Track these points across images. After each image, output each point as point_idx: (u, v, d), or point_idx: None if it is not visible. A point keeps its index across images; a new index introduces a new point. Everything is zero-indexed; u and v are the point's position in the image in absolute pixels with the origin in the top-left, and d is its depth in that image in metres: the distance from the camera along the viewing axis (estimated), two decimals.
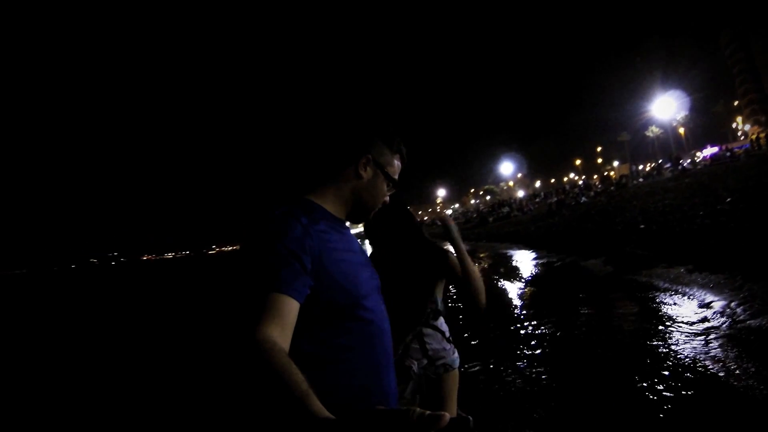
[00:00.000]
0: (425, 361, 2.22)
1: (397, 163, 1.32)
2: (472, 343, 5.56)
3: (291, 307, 0.96)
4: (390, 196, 1.34)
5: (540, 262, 12.80)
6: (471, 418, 0.57)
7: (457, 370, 2.29)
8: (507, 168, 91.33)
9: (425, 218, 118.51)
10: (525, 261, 13.69)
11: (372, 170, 1.26)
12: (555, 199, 33.89)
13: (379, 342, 1.17)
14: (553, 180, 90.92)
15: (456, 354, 2.30)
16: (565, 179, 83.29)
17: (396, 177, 1.31)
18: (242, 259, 1.03)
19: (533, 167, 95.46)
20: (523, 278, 10.63)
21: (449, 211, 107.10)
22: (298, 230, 1.04)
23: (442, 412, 0.55)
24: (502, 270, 12.68)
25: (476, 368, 4.64)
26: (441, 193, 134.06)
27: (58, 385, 6.34)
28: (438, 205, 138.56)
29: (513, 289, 9.42)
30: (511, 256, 15.69)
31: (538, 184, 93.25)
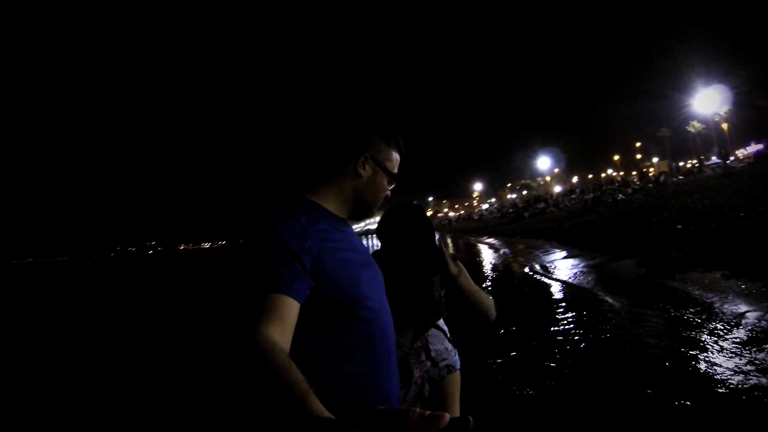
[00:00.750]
0: (428, 363, 2.16)
1: (395, 156, 1.29)
2: (480, 345, 5.37)
3: (291, 308, 0.94)
4: (404, 199, 1.29)
5: (571, 261, 12.44)
6: (471, 419, 0.56)
7: (458, 372, 2.19)
8: (544, 163, 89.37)
9: (461, 212, 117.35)
10: (556, 260, 13.34)
11: (371, 168, 1.23)
12: (591, 195, 32.98)
13: (381, 342, 1.14)
14: (590, 175, 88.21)
15: (457, 355, 2.21)
16: (603, 175, 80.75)
17: (395, 171, 1.28)
18: (242, 260, 1.02)
19: (571, 162, 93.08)
20: (551, 278, 10.34)
21: (485, 206, 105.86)
22: (297, 230, 1.03)
23: (443, 412, 0.54)
24: (531, 269, 12.39)
25: (483, 372, 4.51)
26: (478, 187, 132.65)
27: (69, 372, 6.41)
28: (475, 198, 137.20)
29: (539, 290, 9.18)
30: (542, 254, 15.34)
31: (575, 179, 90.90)
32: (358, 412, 0.59)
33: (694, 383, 3.67)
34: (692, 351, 4.36)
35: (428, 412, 0.54)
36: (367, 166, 1.22)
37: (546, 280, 10.23)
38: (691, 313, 5.51)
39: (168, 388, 5.10)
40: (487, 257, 18.65)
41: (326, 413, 0.69)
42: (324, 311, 1.04)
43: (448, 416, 0.54)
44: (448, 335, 2.27)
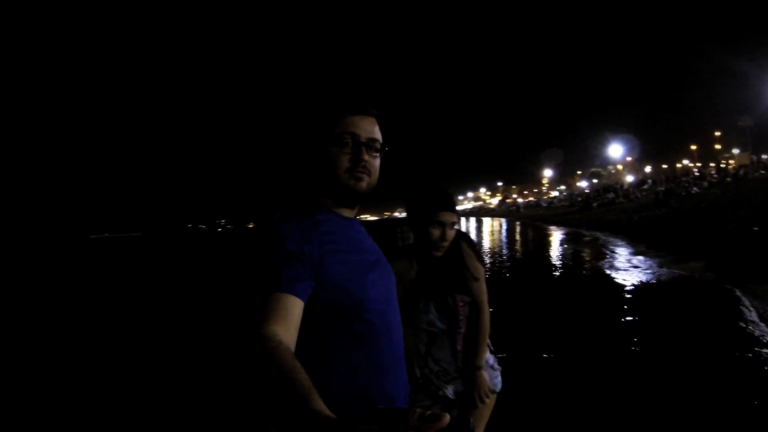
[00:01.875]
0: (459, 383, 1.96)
1: (354, 120, 1.12)
2: (529, 344, 5.03)
3: (295, 306, 0.93)
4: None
5: (635, 259, 11.71)
6: (471, 419, 0.55)
7: (495, 395, 2.02)
8: (616, 150, 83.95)
9: (530, 198, 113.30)
10: (619, 256, 12.60)
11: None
12: (663, 187, 30.78)
13: (385, 343, 1.09)
14: (664, 166, 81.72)
15: (499, 377, 2.06)
16: (678, 166, 74.71)
17: (351, 130, 1.11)
18: (244, 261, 1.01)
19: (644, 151, 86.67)
20: (612, 275, 9.68)
21: (555, 193, 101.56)
22: (298, 235, 1.00)
23: (443, 413, 0.52)
24: (593, 264, 11.75)
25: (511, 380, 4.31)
26: (548, 173, 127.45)
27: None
28: (544, 185, 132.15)
29: (596, 287, 8.59)
30: (606, 250, 14.57)
31: (648, 169, 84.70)
32: (360, 412, 0.58)
33: (736, 419, 3.34)
34: (743, 378, 3.93)
35: (429, 413, 0.53)
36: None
37: (606, 275, 9.61)
38: (750, 332, 4.99)
39: (170, 387, 4.69)
40: (553, 249, 18.00)
41: (327, 412, 0.67)
42: (325, 312, 1.01)
43: (448, 416, 0.52)
44: (492, 353, 2.15)
